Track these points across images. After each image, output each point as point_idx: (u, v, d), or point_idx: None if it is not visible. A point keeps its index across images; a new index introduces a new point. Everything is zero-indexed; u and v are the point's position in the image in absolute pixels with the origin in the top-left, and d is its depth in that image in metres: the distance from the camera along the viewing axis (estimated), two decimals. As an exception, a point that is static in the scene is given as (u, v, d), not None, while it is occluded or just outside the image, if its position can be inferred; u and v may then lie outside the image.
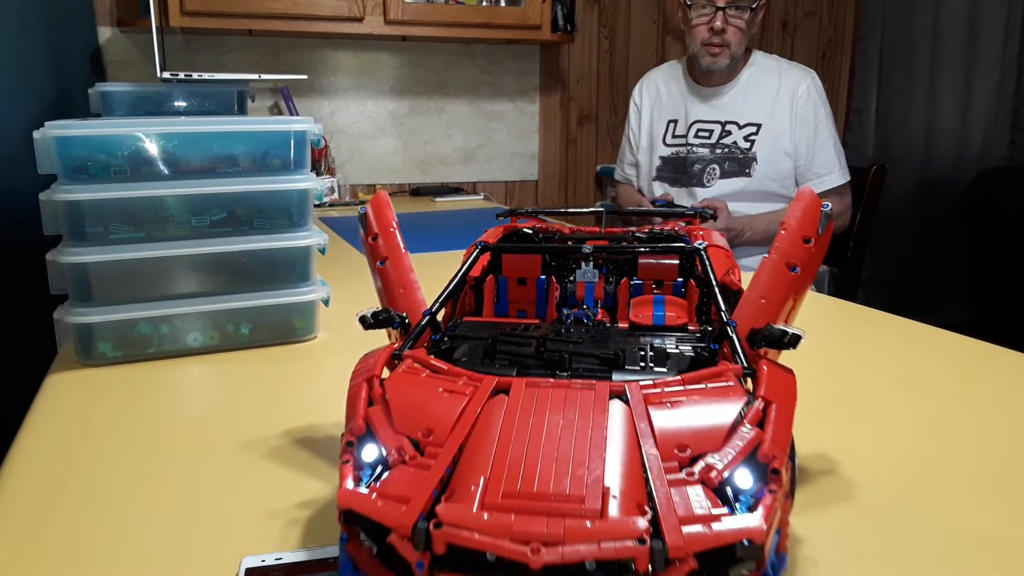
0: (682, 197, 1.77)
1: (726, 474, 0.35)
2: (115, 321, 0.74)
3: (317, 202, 2.04)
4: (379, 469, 0.38)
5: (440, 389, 0.42)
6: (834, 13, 2.94)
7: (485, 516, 0.34)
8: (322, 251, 0.82)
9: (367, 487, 0.37)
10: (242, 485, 0.52)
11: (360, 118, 2.40)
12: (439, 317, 0.51)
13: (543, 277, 0.58)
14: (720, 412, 0.38)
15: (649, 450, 0.37)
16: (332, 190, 2.12)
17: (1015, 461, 0.55)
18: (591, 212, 0.74)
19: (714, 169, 1.72)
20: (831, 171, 1.68)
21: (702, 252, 0.52)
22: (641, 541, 0.32)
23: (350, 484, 0.37)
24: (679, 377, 0.41)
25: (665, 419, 0.38)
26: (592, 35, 2.64)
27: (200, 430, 0.61)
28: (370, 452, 0.39)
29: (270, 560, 0.42)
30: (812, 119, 1.67)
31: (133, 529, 0.46)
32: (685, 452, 0.36)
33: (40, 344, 0.84)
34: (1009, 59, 2.86)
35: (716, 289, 0.48)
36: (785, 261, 0.46)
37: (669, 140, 1.81)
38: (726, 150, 1.71)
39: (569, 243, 0.60)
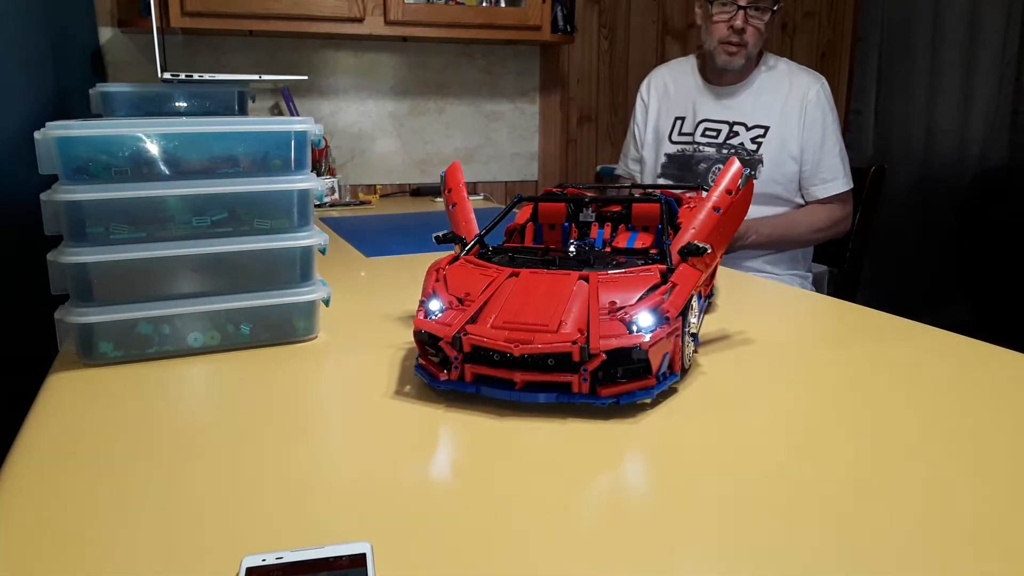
0: None
1: (634, 315, 0.62)
2: (116, 321, 0.74)
3: (318, 202, 2.04)
4: (438, 313, 0.67)
5: (479, 274, 0.70)
6: (833, 14, 2.94)
7: (492, 330, 0.62)
8: (323, 251, 0.82)
9: (431, 319, 0.66)
10: (243, 484, 0.52)
11: (360, 118, 2.40)
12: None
13: (567, 224, 0.85)
14: (639, 286, 0.65)
15: (592, 303, 0.63)
16: (332, 190, 2.12)
17: (1014, 461, 0.55)
18: (620, 187, 1.16)
19: (719, 169, 1.71)
20: (836, 177, 1.68)
21: (662, 202, 0.80)
22: (574, 343, 0.60)
23: (421, 317, 0.67)
24: (624, 271, 0.67)
25: (606, 289, 0.65)
26: (592, 35, 2.64)
27: (201, 430, 0.61)
28: (434, 304, 0.68)
29: (271, 560, 0.42)
30: (820, 124, 1.67)
31: (134, 528, 0.47)
32: (614, 305, 0.63)
33: (41, 344, 0.84)
34: (1008, 60, 2.86)
35: (665, 225, 0.76)
36: (713, 206, 0.71)
37: (675, 137, 1.80)
38: (732, 151, 1.71)
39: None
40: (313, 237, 0.81)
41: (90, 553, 0.44)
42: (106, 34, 2.10)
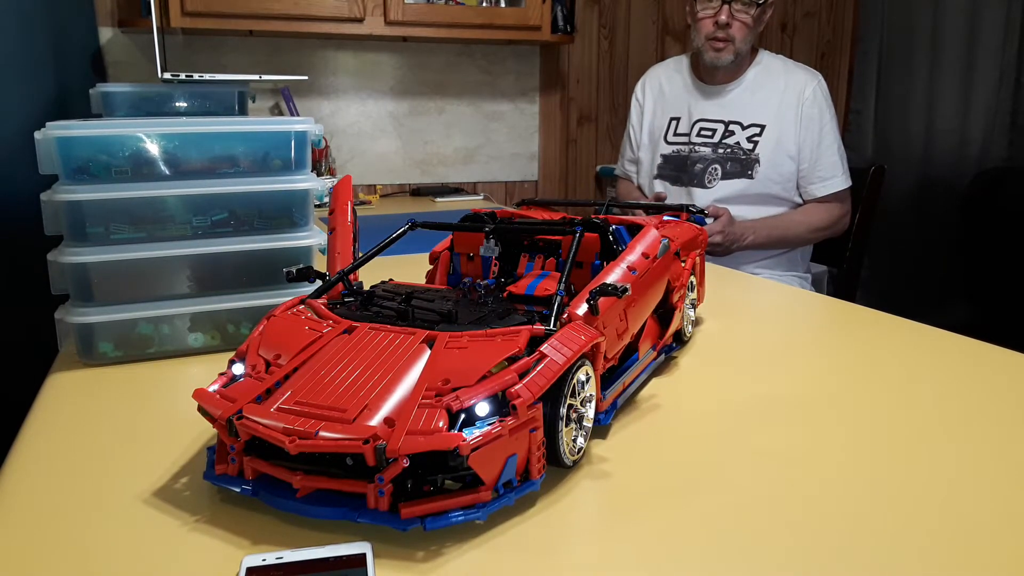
0: (681, 197, 1.76)
1: (468, 403, 0.45)
2: (116, 321, 0.74)
3: (318, 202, 2.03)
4: (241, 379, 0.50)
5: (306, 327, 0.53)
6: (833, 14, 2.94)
7: (276, 413, 0.46)
8: (323, 251, 0.82)
9: (221, 389, 0.50)
10: (243, 484, 0.52)
11: (360, 118, 2.40)
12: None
13: (488, 256, 0.70)
14: (486, 359, 0.48)
15: (421, 380, 0.47)
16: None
17: (1014, 461, 0.55)
18: (593, 204, 0.90)
19: (716, 169, 1.71)
20: (834, 175, 1.67)
21: (576, 232, 0.61)
22: (366, 442, 0.43)
23: (211, 387, 0.50)
24: (484, 331, 0.51)
25: (444, 360, 0.48)
26: (592, 36, 2.64)
27: (201, 430, 0.61)
28: (238, 368, 0.52)
29: (271, 559, 0.42)
30: (817, 122, 1.66)
31: (134, 528, 0.47)
32: (447, 384, 0.46)
33: (41, 344, 0.84)
34: (1008, 60, 2.86)
35: (568, 265, 0.56)
36: (629, 266, 0.61)
37: (671, 138, 1.80)
38: (728, 150, 1.70)
39: (489, 226, 0.69)
40: (313, 237, 0.81)
41: (90, 553, 0.44)
42: (106, 34, 2.10)
